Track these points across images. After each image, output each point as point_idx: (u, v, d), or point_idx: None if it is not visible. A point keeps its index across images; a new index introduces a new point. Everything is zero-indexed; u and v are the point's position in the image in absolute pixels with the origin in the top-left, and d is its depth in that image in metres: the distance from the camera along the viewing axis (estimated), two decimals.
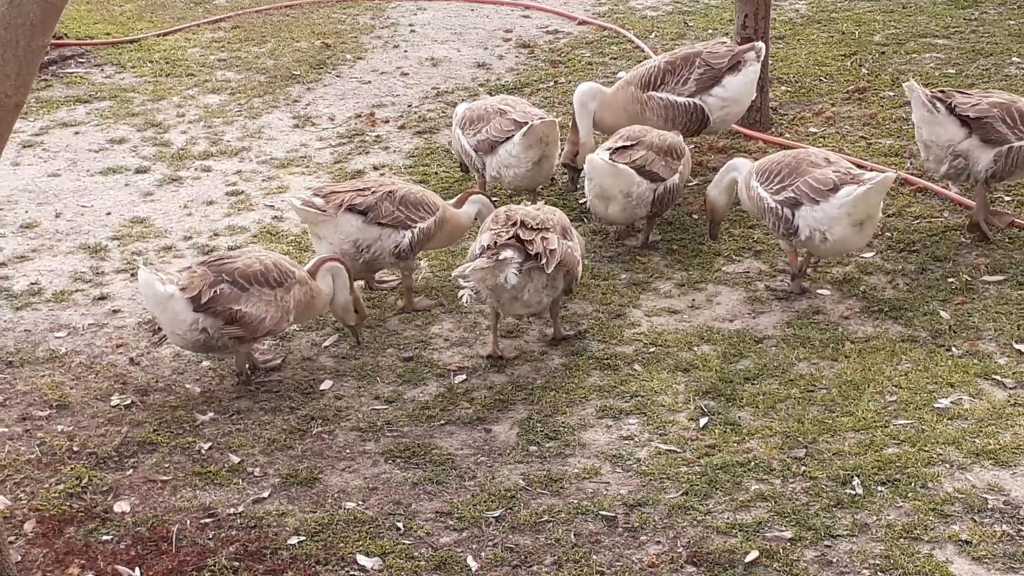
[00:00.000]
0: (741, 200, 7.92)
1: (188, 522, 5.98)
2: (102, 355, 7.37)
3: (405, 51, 12.04)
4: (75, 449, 6.53)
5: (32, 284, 8.14)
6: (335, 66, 11.70)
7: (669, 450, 6.40)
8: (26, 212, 9.13)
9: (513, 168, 8.48)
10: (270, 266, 6.88)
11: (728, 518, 5.90)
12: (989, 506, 5.90)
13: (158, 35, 12.64)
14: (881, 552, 5.64)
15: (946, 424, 6.48)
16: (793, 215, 7.48)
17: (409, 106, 10.78)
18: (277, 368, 7.20)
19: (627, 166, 8.02)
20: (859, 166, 9.03)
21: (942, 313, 7.45)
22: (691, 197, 9.04)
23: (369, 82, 11.33)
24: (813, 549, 5.69)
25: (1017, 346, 7.10)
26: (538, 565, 5.67)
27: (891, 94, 10.38)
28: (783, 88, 10.61)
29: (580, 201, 8.85)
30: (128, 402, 6.92)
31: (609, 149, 8.18)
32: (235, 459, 6.44)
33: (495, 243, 6.96)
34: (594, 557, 5.70)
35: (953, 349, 7.12)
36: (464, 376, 7.08)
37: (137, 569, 5.69)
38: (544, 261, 6.91)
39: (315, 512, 6.03)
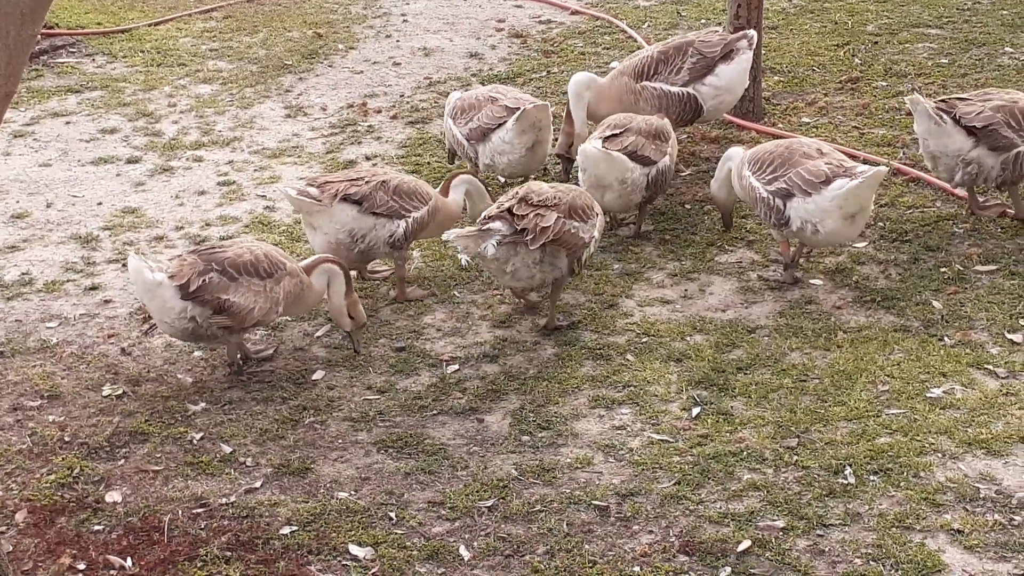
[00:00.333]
0: (734, 188, 7.91)
1: (180, 512, 5.98)
2: (93, 345, 7.36)
3: (397, 41, 12.01)
4: (66, 439, 6.52)
5: (23, 274, 8.11)
6: (327, 56, 11.68)
7: (661, 440, 6.40)
8: (17, 202, 9.10)
9: (507, 155, 8.47)
10: (260, 257, 6.86)
11: (720, 507, 5.90)
12: (981, 495, 5.91)
13: (149, 25, 12.60)
14: (873, 541, 5.65)
15: (938, 414, 6.49)
16: (785, 206, 7.48)
17: (401, 96, 10.76)
18: (269, 358, 7.19)
19: (620, 153, 8.03)
20: (852, 156, 9.07)
21: (934, 303, 7.46)
22: (683, 187, 9.04)
23: (361, 72, 11.30)
24: (805, 538, 5.69)
25: (1009, 336, 7.11)
26: (531, 555, 5.67)
27: (884, 84, 10.37)
28: (776, 78, 10.60)
29: None
30: (120, 392, 6.91)
31: (600, 138, 8.19)
32: (227, 449, 6.43)
33: (490, 214, 7.05)
34: (586, 547, 5.70)
35: (945, 339, 7.12)
36: (456, 366, 7.08)
37: (129, 559, 5.69)
38: (530, 237, 6.92)
39: (307, 502, 6.02)
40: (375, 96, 10.77)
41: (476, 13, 12.70)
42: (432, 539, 5.79)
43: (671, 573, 5.52)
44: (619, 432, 6.49)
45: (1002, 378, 6.77)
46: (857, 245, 8.08)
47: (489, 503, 5.99)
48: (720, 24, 11.02)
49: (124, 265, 7.95)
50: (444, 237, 7.18)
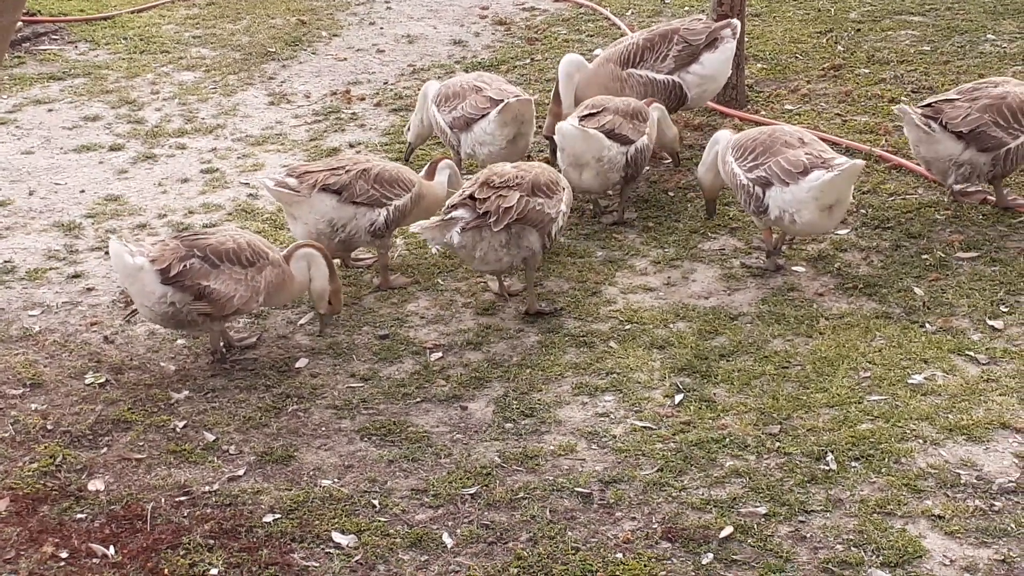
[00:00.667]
0: (720, 172, 7.94)
1: (163, 500, 5.97)
2: (76, 333, 7.34)
3: (381, 28, 11.99)
4: (49, 428, 6.51)
5: (5, 262, 8.09)
6: (311, 43, 11.65)
7: (644, 427, 6.42)
8: None
9: (488, 146, 8.47)
10: (243, 245, 6.85)
11: (703, 494, 5.92)
12: (962, 481, 5.94)
13: (132, 12, 12.56)
14: (855, 527, 5.67)
15: (920, 400, 6.51)
16: (764, 194, 7.50)
17: (385, 83, 10.75)
18: (252, 346, 7.19)
19: (597, 131, 8.06)
20: (834, 144, 9.09)
21: (916, 290, 7.48)
22: (666, 175, 9.05)
23: (345, 59, 11.28)
24: (787, 524, 5.72)
25: (990, 322, 7.14)
26: (514, 542, 5.68)
27: (866, 71, 10.39)
28: (759, 65, 10.61)
29: None
30: (102, 380, 6.89)
31: (577, 116, 8.23)
32: (210, 437, 6.42)
33: (452, 204, 7.11)
34: (569, 533, 5.71)
35: (927, 325, 7.15)
36: (440, 354, 7.08)
37: (111, 547, 5.68)
38: (493, 219, 6.95)
39: (290, 490, 6.03)
40: (359, 83, 10.75)
41: (460, 0, 12.68)
42: (415, 526, 5.79)
43: (654, 559, 5.54)
44: (602, 419, 6.50)
45: (983, 364, 6.80)
46: (839, 232, 8.10)
47: (472, 490, 6.00)
48: (703, 12, 11.03)
49: (107, 253, 7.93)
50: (412, 230, 7.21)
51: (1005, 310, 7.25)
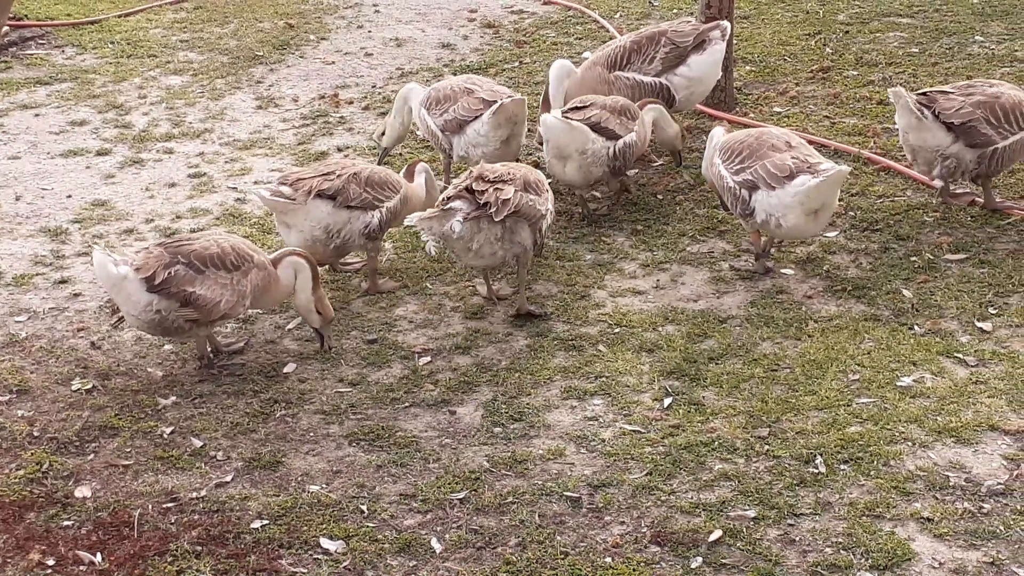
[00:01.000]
0: (705, 172, 7.94)
1: (150, 507, 5.95)
2: (63, 339, 7.31)
3: (369, 31, 11.98)
4: (35, 434, 6.48)
5: None
6: (298, 47, 11.63)
7: (633, 430, 6.40)
8: None
9: (481, 147, 8.45)
10: (227, 249, 6.83)
11: (692, 498, 5.91)
12: (951, 484, 5.93)
13: (119, 16, 12.52)
14: (844, 530, 5.66)
15: (908, 402, 6.51)
16: (750, 197, 7.49)
17: (373, 87, 10.73)
18: (240, 351, 7.16)
19: (581, 123, 8.09)
20: (823, 146, 9.09)
21: (905, 292, 7.48)
22: (655, 177, 9.04)
23: (333, 63, 11.26)
24: (776, 528, 5.71)
25: (979, 324, 7.14)
26: (502, 547, 5.66)
27: (855, 73, 10.40)
28: (747, 68, 10.61)
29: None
30: (89, 386, 6.86)
31: (562, 109, 8.29)
32: (197, 443, 6.40)
33: (449, 196, 7.13)
34: (558, 538, 5.70)
35: (915, 327, 7.15)
36: (429, 358, 7.07)
37: (99, 554, 5.66)
38: (493, 210, 6.99)
39: (278, 496, 6.00)
40: (347, 87, 10.73)
41: (448, 3, 12.67)
42: (404, 532, 5.77)
43: (643, 564, 5.53)
44: (591, 423, 6.49)
45: (972, 366, 6.80)
46: (828, 234, 8.10)
47: (461, 495, 5.99)
48: (692, 13, 11.02)
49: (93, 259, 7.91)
50: (408, 221, 7.21)
51: (994, 312, 7.25)
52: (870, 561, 5.48)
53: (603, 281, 7.77)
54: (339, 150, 9.54)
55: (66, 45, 11.79)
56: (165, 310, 6.67)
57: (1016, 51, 10.69)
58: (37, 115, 10.32)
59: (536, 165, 8.98)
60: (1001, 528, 5.65)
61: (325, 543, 5.69)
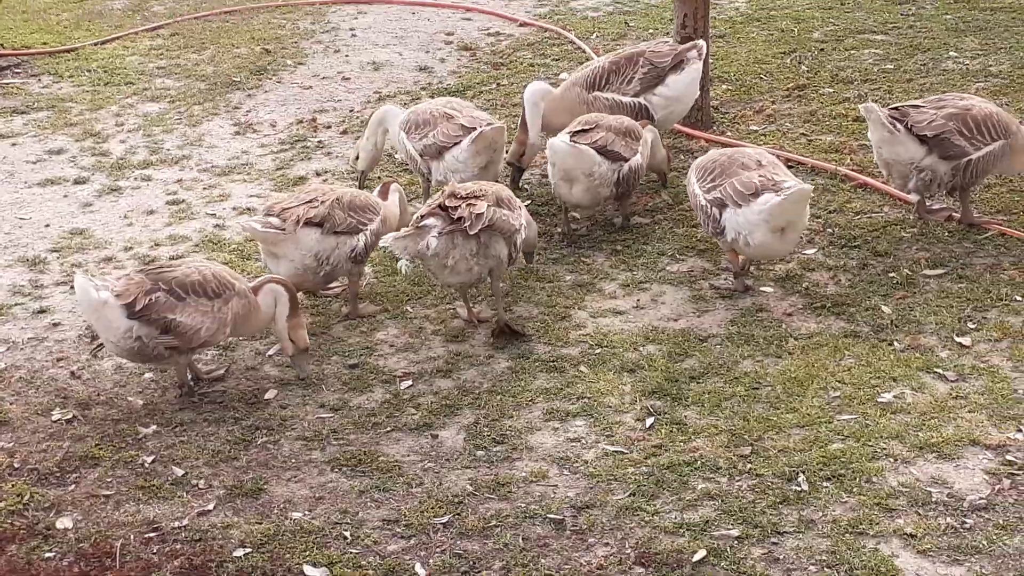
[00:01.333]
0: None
1: (132, 537, 5.92)
2: (42, 369, 7.28)
3: (346, 56, 11.98)
4: (16, 466, 6.45)
5: None
6: (276, 72, 11.63)
7: (616, 451, 6.40)
8: None
9: (460, 173, 8.45)
10: (209, 277, 6.81)
11: (675, 518, 5.91)
12: (933, 499, 5.94)
13: (96, 44, 12.50)
14: (827, 548, 5.67)
15: (889, 418, 6.52)
16: (720, 215, 7.53)
17: (351, 111, 10.73)
18: (220, 378, 7.14)
19: (588, 146, 8.15)
20: (800, 163, 9.13)
21: (884, 308, 7.51)
22: (633, 197, 9.04)
23: (310, 87, 11.27)
24: (760, 547, 5.71)
25: (958, 339, 7.17)
26: (487, 571, 5.65)
27: (830, 90, 10.45)
28: (724, 87, 10.65)
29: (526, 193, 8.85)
30: (69, 416, 6.84)
31: (569, 132, 8.32)
32: (179, 472, 6.37)
33: (422, 214, 7.19)
34: (542, 561, 5.69)
35: (895, 343, 7.17)
36: (410, 382, 7.06)
37: None
38: (467, 224, 7.04)
39: (261, 523, 5.98)
40: (325, 111, 10.74)
41: (425, 27, 12.69)
42: (387, 557, 5.76)
43: None
44: (574, 444, 6.48)
45: (952, 381, 6.82)
46: (807, 252, 8.13)
47: (444, 519, 5.97)
48: (667, 33, 11.06)
49: (73, 287, 7.87)
50: (383, 243, 7.23)
51: (972, 327, 7.28)
52: None
53: (583, 302, 7.78)
54: (318, 174, 9.54)
55: (43, 74, 11.77)
56: (145, 337, 6.65)
57: (990, 66, 10.76)
58: (14, 144, 10.30)
59: (516, 189, 9.00)
60: (984, 543, 5.66)
61: (308, 570, 5.68)
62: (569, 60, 11.42)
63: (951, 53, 11.11)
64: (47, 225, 8.96)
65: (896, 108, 8.18)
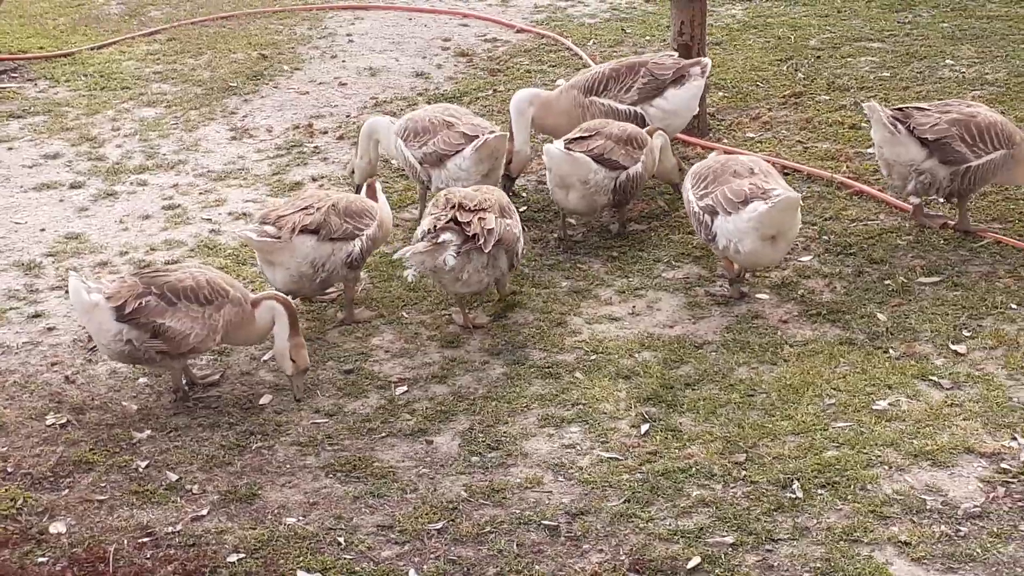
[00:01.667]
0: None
1: (125, 542, 5.91)
2: (37, 373, 7.27)
3: (343, 61, 11.98)
4: (9, 470, 6.44)
5: None
6: (272, 77, 11.63)
7: (611, 458, 6.40)
8: None
9: (462, 181, 8.43)
10: (202, 283, 6.80)
11: (670, 524, 5.91)
12: (927, 507, 5.94)
13: (92, 48, 12.50)
14: (822, 555, 5.67)
15: (884, 426, 6.53)
16: (712, 222, 7.53)
17: (348, 116, 10.73)
18: (215, 383, 7.13)
19: (583, 154, 8.18)
20: (796, 170, 9.14)
21: (879, 315, 7.51)
22: (630, 204, 9.04)
23: (307, 93, 11.27)
24: (754, 554, 5.71)
25: (953, 347, 7.17)
26: None
27: (826, 98, 10.45)
28: (720, 94, 10.66)
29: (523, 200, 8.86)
30: (63, 421, 6.83)
31: (566, 139, 8.32)
32: (173, 477, 6.36)
33: (435, 227, 7.21)
34: (537, 567, 5.68)
35: (890, 351, 7.17)
36: (405, 387, 7.05)
37: None
38: (482, 241, 7.14)
39: (255, 529, 5.97)
40: (321, 117, 10.73)
41: (422, 32, 12.70)
42: (381, 563, 5.75)
43: None
44: (569, 451, 6.48)
45: (947, 389, 6.82)
46: (802, 259, 8.14)
47: (439, 525, 5.97)
48: (664, 40, 11.07)
49: (68, 292, 7.86)
50: (397, 256, 7.27)
51: (968, 334, 7.29)
52: None
53: (579, 308, 7.78)
54: (314, 180, 9.53)
55: (39, 78, 11.77)
56: (136, 340, 6.64)
57: (986, 74, 10.78)
58: (10, 148, 10.29)
59: (512, 194, 9.00)
60: (978, 551, 5.66)
61: None
62: (566, 67, 11.42)
63: (947, 61, 11.12)
64: (42, 229, 8.95)
65: (900, 109, 8.19)
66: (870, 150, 9.20)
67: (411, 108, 10.15)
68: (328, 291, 8.00)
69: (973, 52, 11.31)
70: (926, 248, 8.22)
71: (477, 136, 8.37)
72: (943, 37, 11.73)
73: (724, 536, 5.81)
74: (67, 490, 6.30)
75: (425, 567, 5.71)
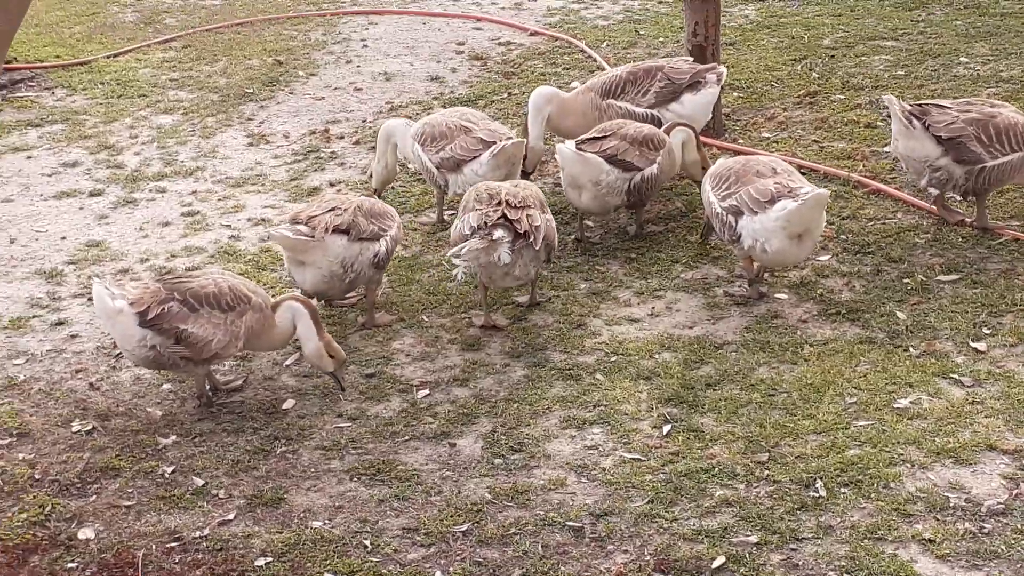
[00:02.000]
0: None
1: (154, 547, 5.95)
2: (61, 381, 7.32)
3: (358, 66, 12.04)
4: (37, 477, 6.49)
5: None
6: (288, 83, 11.68)
7: (633, 458, 6.43)
8: None
9: None
10: (224, 289, 6.84)
11: (694, 524, 5.93)
12: (951, 504, 5.96)
13: (109, 56, 12.57)
14: (846, 553, 5.69)
15: (906, 424, 6.54)
16: (736, 223, 7.55)
17: (363, 121, 10.78)
18: (239, 389, 7.18)
19: (595, 155, 8.23)
20: (812, 170, 9.16)
21: (899, 314, 7.52)
22: (647, 205, 9.07)
23: (323, 98, 11.32)
24: (779, 553, 5.73)
25: (973, 344, 7.18)
26: None
27: (841, 97, 10.47)
28: (735, 94, 10.68)
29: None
30: (89, 428, 6.87)
31: (579, 140, 8.38)
32: (199, 482, 6.41)
33: (485, 223, 7.34)
34: (562, 568, 5.71)
35: (911, 349, 7.19)
36: (427, 391, 7.09)
37: None
38: (532, 239, 7.31)
39: (281, 532, 6.01)
40: (337, 122, 10.78)
41: (435, 36, 12.74)
42: (407, 566, 5.78)
43: None
44: (591, 452, 6.51)
45: (968, 387, 6.84)
46: (820, 258, 8.15)
47: (464, 527, 6.00)
48: (678, 42, 11.10)
49: (90, 299, 7.92)
50: (449, 254, 7.47)
51: (987, 332, 7.30)
52: None
53: (599, 310, 7.80)
54: (331, 185, 9.58)
55: (56, 87, 11.83)
56: (160, 346, 6.69)
57: (1001, 71, 10.78)
58: (29, 157, 10.35)
59: None
60: (1003, 548, 5.67)
61: None
62: (580, 69, 11.46)
63: (962, 59, 11.13)
64: (63, 237, 9.01)
65: (920, 105, 8.21)
66: (886, 148, 9.23)
67: (426, 112, 10.20)
68: (349, 296, 8.05)
69: (987, 50, 11.32)
70: (944, 246, 8.24)
71: (494, 142, 8.42)
72: (957, 35, 11.75)
73: (748, 535, 5.83)
74: (94, 496, 6.35)
75: (451, 569, 5.74)
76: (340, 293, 7.68)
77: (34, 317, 7.99)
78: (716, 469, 6.28)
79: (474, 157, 8.45)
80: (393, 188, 9.46)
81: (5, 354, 7.60)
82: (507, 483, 6.29)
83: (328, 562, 5.80)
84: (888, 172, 9.15)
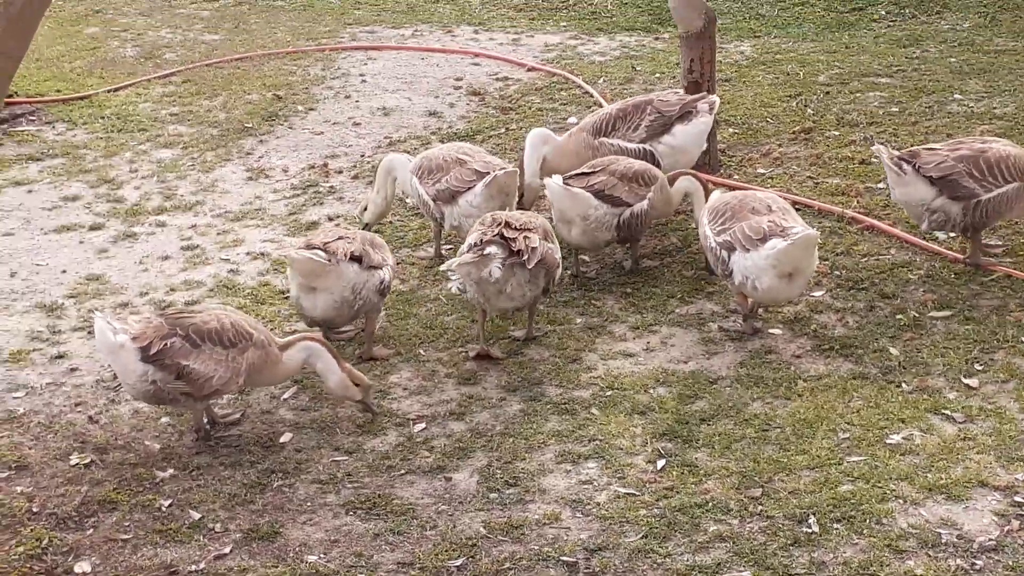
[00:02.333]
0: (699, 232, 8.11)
1: None
2: (60, 414, 7.37)
3: (356, 101, 12.12)
4: (35, 510, 6.52)
5: None
6: (287, 118, 11.77)
7: (628, 493, 6.47)
8: None
9: (473, 218, 8.54)
10: (227, 326, 6.89)
11: (688, 560, 5.97)
12: (943, 541, 6.00)
13: (109, 91, 12.65)
14: None
15: (898, 460, 6.59)
16: (729, 258, 7.63)
17: (362, 156, 10.86)
18: (236, 422, 7.22)
19: (583, 190, 8.32)
20: (807, 206, 9.23)
21: (891, 350, 7.58)
22: (642, 240, 9.14)
23: (321, 133, 11.40)
24: None
25: (966, 380, 7.24)
26: None
27: (836, 133, 10.56)
28: (730, 130, 10.77)
29: None
30: (87, 461, 6.91)
31: (568, 175, 8.50)
32: (196, 515, 6.44)
33: (481, 240, 7.45)
34: None
35: (903, 385, 7.24)
36: (423, 425, 7.13)
37: None
38: (526, 257, 7.39)
39: (277, 567, 6.05)
40: (336, 157, 10.86)
41: (434, 72, 12.84)
42: None
43: None
44: (586, 487, 6.55)
45: (960, 423, 6.89)
46: (814, 294, 8.22)
47: (458, 562, 6.04)
48: (675, 78, 11.19)
49: (90, 333, 7.97)
50: (443, 268, 7.62)
51: (980, 368, 7.35)
52: None
53: (594, 344, 7.86)
54: (330, 219, 9.64)
55: (56, 121, 11.91)
56: (160, 381, 6.73)
57: (995, 108, 10.88)
58: (29, 191, 10.42)
59: None
60: None
61: None
62: (577, 104, 11.55)
63: (956, 96, 11.22)
64: (63, 271, 9.07)
65: (910, 151, 8.30)
66: (880, 185, 9.31)
67: (424, 147, 10.27)
68: (346, 329, 8.09)
69: (981, 87, 11.42)
70: (937, 282, 8.30)
71: (488, 173, 8.50)
72: (951, 72, 11.85)
73: (742, 571, 5.87)
74: (92, 529, 6.38)
75: None
76: (346, 320, 7.74)
77: (34, 350, 8.04)
78: (710, 504, 6.32)
79: (468, 188, 8.53)
80: (391, 222, 9.52)
81: (5, 387, 7.65)
82: (502, 518, 6.33)
83: None
84: (882, 208, 9.22)
